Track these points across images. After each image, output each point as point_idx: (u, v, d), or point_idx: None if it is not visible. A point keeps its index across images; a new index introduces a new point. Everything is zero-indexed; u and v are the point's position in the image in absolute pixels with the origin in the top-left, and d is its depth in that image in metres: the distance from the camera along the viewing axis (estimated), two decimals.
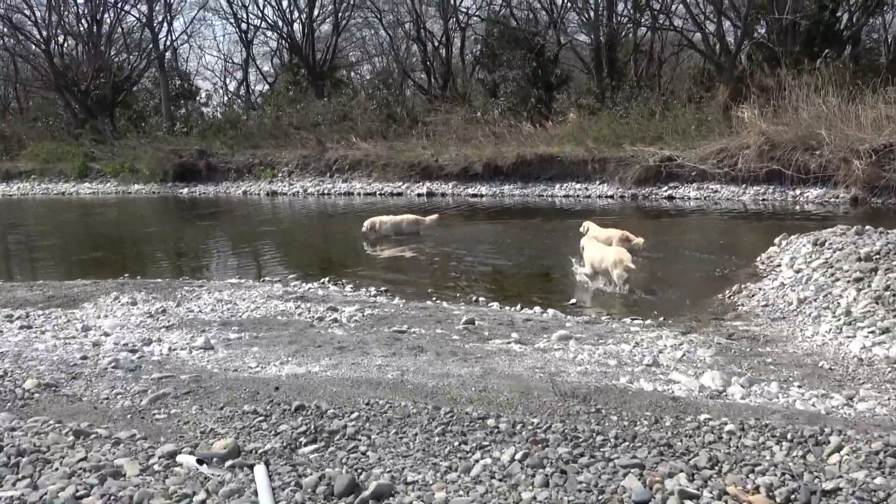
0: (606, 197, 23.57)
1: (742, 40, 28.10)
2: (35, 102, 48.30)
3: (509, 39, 35.46)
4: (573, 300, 9.44)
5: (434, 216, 16.15)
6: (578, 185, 24.65)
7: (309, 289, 9.99)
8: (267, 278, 11.17)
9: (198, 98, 45.45)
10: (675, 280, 10.48)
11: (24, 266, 14.29)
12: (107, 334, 6.96)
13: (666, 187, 22.90)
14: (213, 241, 17.49)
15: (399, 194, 27.30)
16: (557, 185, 25.00)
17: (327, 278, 10.92)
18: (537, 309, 8.81)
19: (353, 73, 49.39)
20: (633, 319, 8.04)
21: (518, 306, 9.02)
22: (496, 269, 11.84)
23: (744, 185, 21.66)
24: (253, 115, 38.15)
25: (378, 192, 27.77)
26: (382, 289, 10.16)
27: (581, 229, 12.69)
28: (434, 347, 6.20)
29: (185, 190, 31.70)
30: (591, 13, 35.00)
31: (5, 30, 44.54)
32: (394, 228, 15.69)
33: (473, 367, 5.52)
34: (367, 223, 15.56)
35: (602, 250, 10.02)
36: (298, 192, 29.38)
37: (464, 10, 38.81)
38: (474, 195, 25.80)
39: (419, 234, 15.53)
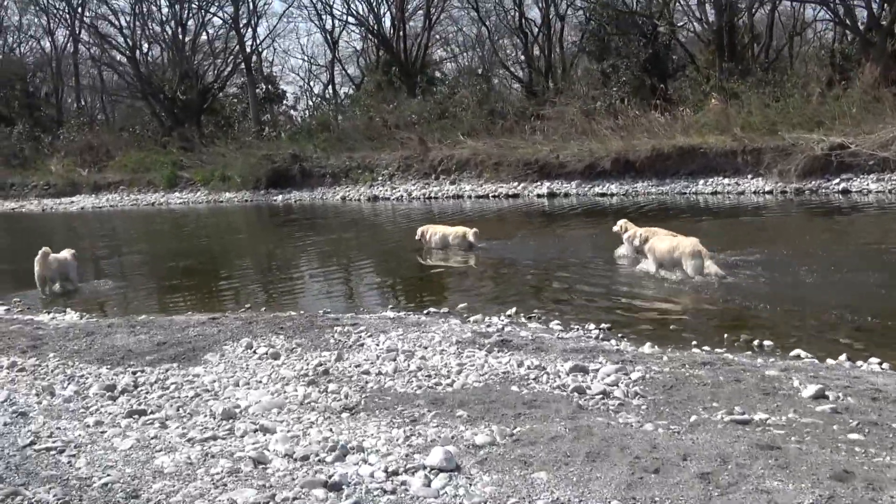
0: (764, 193, 20.30)
1: None
2: (121, 112, 47.30)
3: (620, 25, 32.45)
4: None
5: (474, 229, 13.30)
6: (727, 181, 21.47)
7: (505, 328, 7.24)
8: (432, 309, 8.49)
9: (284, 101, 43.62)
10: None
11: (118, 289, 11.99)
12: (265, 430, 4.36)
13: (837, 179, 19.52)
14: (325, 255, 15.01)
15: (515, 196, 24.52)
16: (701, 181, 21.88)
17: (513, 310, 8.18)
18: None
19: (444, 70, 46.84)
20: None
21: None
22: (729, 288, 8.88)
23: None
24: (345, 117, 35.90)
25: (491, 194, 25.04)
26: (604, 326, 7.36)
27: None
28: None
29: (280, 197, 29.60)
30: None
31: (91, 39, 43.72)
32: (442, 242, 13.37)
33: None
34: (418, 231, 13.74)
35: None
36: (402, 195, 26.88)
37: None
38: (602, 194, 22.85)
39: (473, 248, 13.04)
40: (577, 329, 7.30)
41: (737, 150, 21.62)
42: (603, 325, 7.35)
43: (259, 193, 30.36)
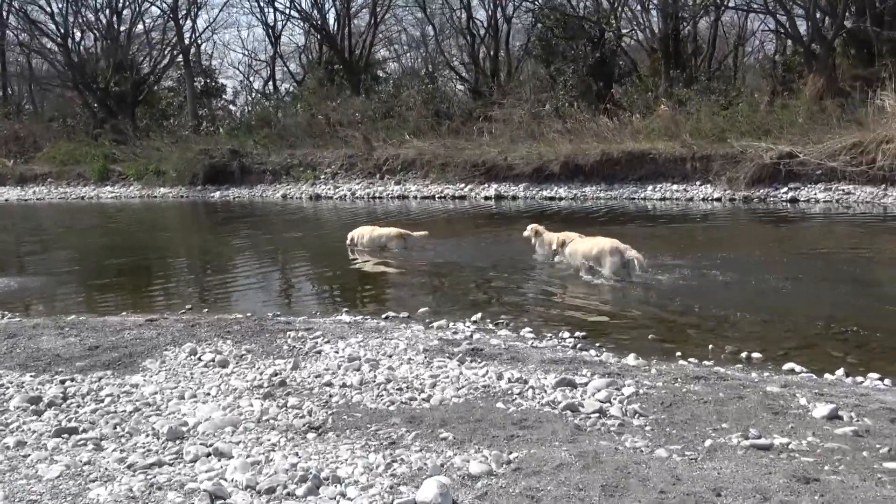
0: (712, 200, 20.25)
1: (840, 25, 24.59)
2: (51, 102, 45.29)
3: (567, 29, 32.31)
4: None
5: (422, 232, 12.95)
6: (676, 187, 21.36)
7: (473, 336, 6.73)
8: (391, 314, 7.92)
9: (223, 96, 42.30)
10: None
11: (45, 287, 11.09)
12: (220, 454, 3.75)
13: (786, 188, 19.56)
14: (268, 255, 14.28)
15: (462, 197, 24.06)
16: (650, 187, 21.72)
17: (478, 316, 7.68)
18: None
19: (387, 70, 46.20)
20: None
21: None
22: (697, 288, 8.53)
23: (884, 186, 18.30)
24: (287, 113, 34.93)
25: (437, 196, 24.52)
26: (579, 334, 6.90)
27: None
28: None
29: (217, 193, 28.56)
30: None
31: (20, 24, 41.74)
32: (371, 244, 12.71)
33: None
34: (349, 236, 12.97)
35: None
36: (346, 195, 26.16)
37: None
38: (550, 198, 22.56)
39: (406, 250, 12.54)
40: (551, 337, 6.83)
41: (686, 156, 21.55)
42: (578, 334, 6.88)
43: (195, 189, 29.26)
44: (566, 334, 6.88)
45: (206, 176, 29.06)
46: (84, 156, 33.47)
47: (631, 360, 5.89)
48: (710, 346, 6.41)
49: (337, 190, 26.69)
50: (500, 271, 10.69)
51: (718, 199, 20.20)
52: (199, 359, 5.95)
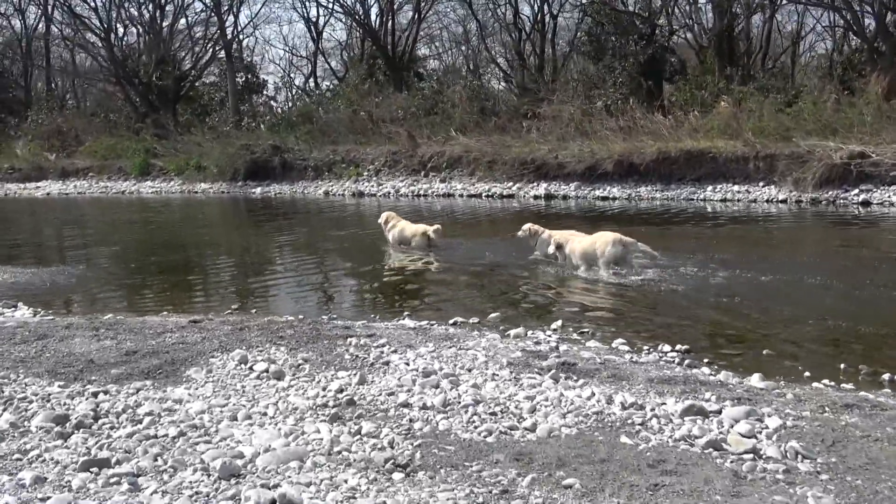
0: (777, 201, 19.14)
1: None
2: (93, 97, 45.25)
3: (618, 25, 31.31)
4: None
5: (436, 226, 12.31)
6: (737, 188, 20.25)
7: (559, 347, 5.88)
8: (459, 319, 7.10)
9: (265, 91, 41.88)
10: None
11: (81, 282, 10.43)
12: (288, 502, 2.94)
13: (857, 190, 18.40)
14: (315, 252, 13.49)
15: (510, 196, 23.19)
16: (710, 187, 20.64)
17: (558, 323, 6.82)
18: None
19: (427, 68, 45.51)
20: None
21: None
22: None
23: None
24: (328, 109, 34.32)
25: (484, 194, 23.68)
26: (680, 347, 6.02)
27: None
28: None
29: (258, 189, 27.98)
30: None
31: (64, 19, 41.73)
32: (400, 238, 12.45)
33: None
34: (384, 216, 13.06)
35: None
36: (389, 192, 25.42)
37: None
38: (604, 198, 21.58)
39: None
40: (650, 350, 5.96)
41: (748, 155, 20.47)
42: (680, 347, 6.00)
43: (236, 185, 28.73)
44: (666, 347, 6.00)
45: (247, 171, 28.54)
46: (125, 150, 33.19)
47: (756, 381, 5.00)
48: (842, 366, 5.49)
49: (380, 187, 25.98)
50: (561, 274, 9.81)
51: (784, 201, 19.10)
52: (251, 368, 5.18)
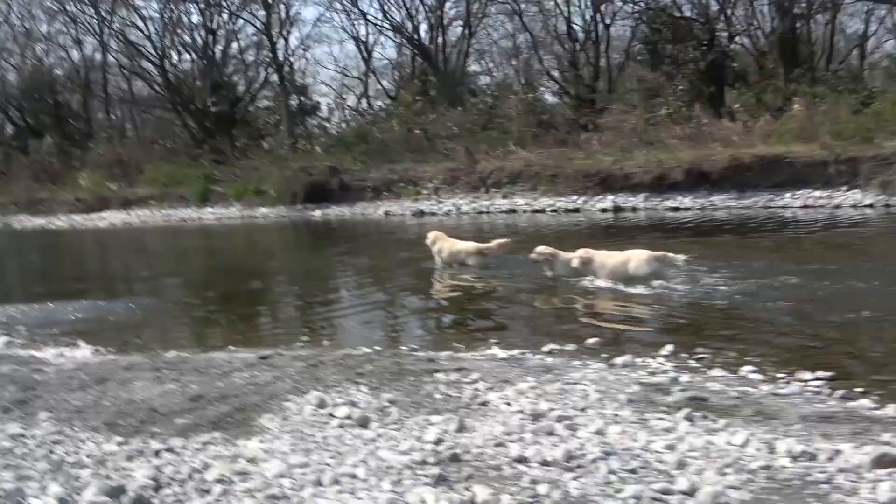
0: (863, 206, 18.00)
1: None
2: (151, 124, 45.77)
3: (676, 32, 30.38)
4: None
5: (502, 240, 11.68)
6: (818, 193, 19.16)
7: (679, 377, 5.13)
8: (554, 347, 6.40)
9: (318, 113, 41.79)
10: None
11: (146, 316, 10.01)
12: None
13: None
14: (381, 276, 12.87)
15: (575, 210, 22.40)
16: (788, 194, 19.57)
17: (670, 347, 6.07)
18: None
19: (478, 83, 45.07)
20: None
21: None
22: None
23: None
24: (383, 128, 33.98)
25: (548, 209, 22.92)
26: (821, 374, 5.22)
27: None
28: None
29: (318, 212, 27.62)
30: None
31: (120, 47, 42.36)
32: (451, 259, 11.93)
33: None
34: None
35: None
36: (450, 210, 24.83)
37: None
38: (675, 208, 20.64)
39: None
40: (787, 380, 5.16)
41: (828, 159, 19.41)
42: (821, 373, 5.18)
43: (295, 208, 28.44)
44: (806, 374, 5.20)
45: (306, 194, 28.24)
46: (185, 177, 33.25)
47: None
48: None
49: (441, 205, 25.42)
50: (635, 290, 9.04)
51: (870, 206, 17.99)
52: (331, 414, 4.57)
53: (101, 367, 6.20)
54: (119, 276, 16.49)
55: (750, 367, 5.41)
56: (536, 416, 4.25)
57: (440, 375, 5.27)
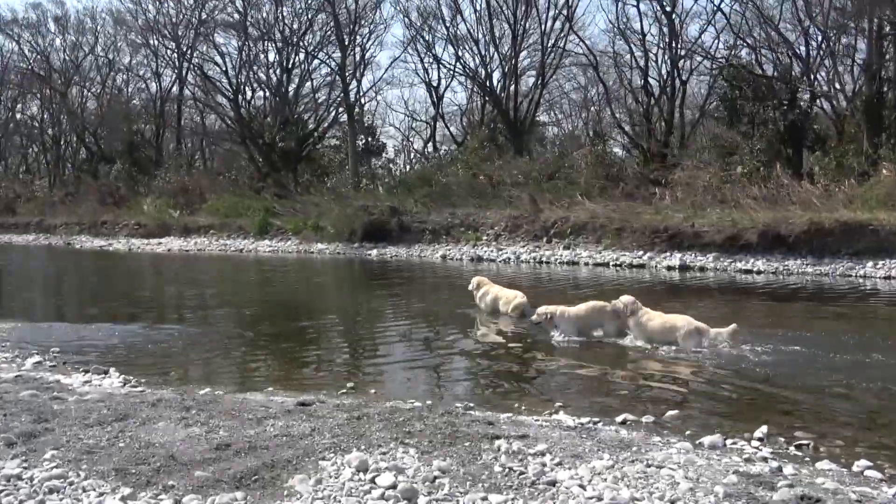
0: None
1: None
2: (219, 157, 46.46)
3: (756, 90, 29.51)
4: None
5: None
6: None
7: (782, 467, 4.34)
8: (629, 418, 5.64)
9: (384, 154, 41.86)
10: None
11: (187, 347, 9.51)
12: None
13: None
14: (434, 324, 12.08)
15: (641, 266, 21.47)
16: (870, 263, 18.38)
17: (764, 429, 5.26)
18: None
19: (545, 135, 44.71)
20: None
21: None
22: None
23: None
24: (447, 172, 33.69)
25: (612, 263, 22.06)
26: None
27: None
28: None
29: (374, 251, 27.22)
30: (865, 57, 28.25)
31: (196, 81, 43.21)
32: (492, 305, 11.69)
33: None
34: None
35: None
36: (510, 258, 24.14)
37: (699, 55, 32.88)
38: (747, 271, 19.59)
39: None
40: None
41: None
42: None
43: (352, 246, 28.12)
44: None
45: (365, 233, 27.93)
46: (246, 209, 33.39)
47: None
48: None
49: (500, 252, 24.76)
50: (725, 357, 8.19)
51: None
52: (373, 482, 3.90)
53: (125, 400, 5.65)
54: (169, 302, 16.16)
55: (866, 463, 4.58)
56: None
57: (500, 443, 4.57)
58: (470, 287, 12.02)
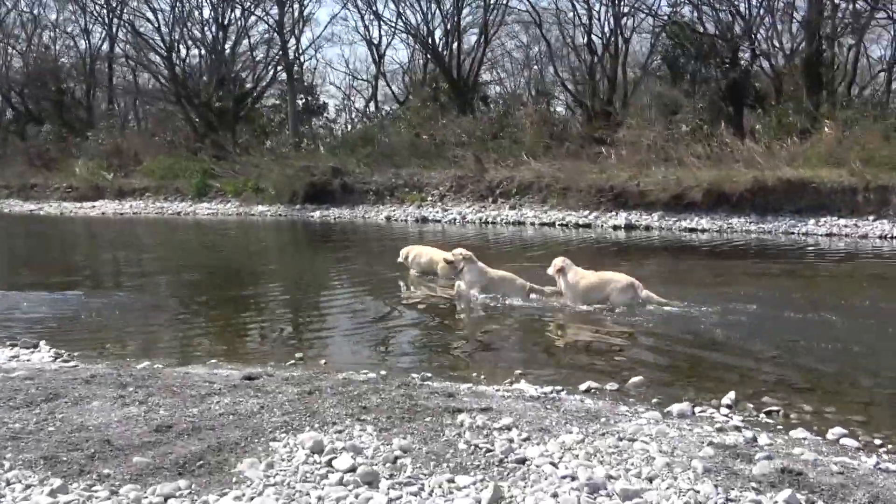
0: (891, 238, 17.08)
1: None
2: (153, 117, 44.89)
3: (698, 49, 29.58)
4: None
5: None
6: (844, 221, 18.25)
7: (756, 436, 4.19)
8: (592, 385, 5.44)
9: (325, 114, 40.91)
10: None
11: (123, 317, 9.02)
12: None
13: None
14: (382, 288, 11.66)
15: (587, 226, 21.46)
16: (811, 220, 18.65)
17: (731, 395, 5.11)
18: None
19: (493, 91, 44.25)
20: None
21: None
22: None
23: None
24: (390, 132, 33.13)
25: (558, 223, 22.00)
26: None
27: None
28: None
29: (317, 213, 26.71)
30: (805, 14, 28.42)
31: (128, 38, 41.54)
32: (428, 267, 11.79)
33: None
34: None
35: None
36: (455, 218, 23.89)
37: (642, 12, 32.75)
38: (691, 229, 19.70)
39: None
40: (886, 447, 4.21)
41: (857, 186, 18.51)
42: None
43: (294, 208, 27.54)
44: None
45: (306, 194, 27.36)
46: (183, 170, 32.40)
47: None
48: None
49: (445, 213, 24.49)
50: (672, 323, 8.07)
51: None
52: (330, 465, 3.60)
53: (56, 377, 5.24)
54: (104, 269, 15.48)
55: (841, 430, 4.46)
56: (594, 488, 3.30)
57: (463, 417, 4.32)
58: (399, 259, 12.15)
